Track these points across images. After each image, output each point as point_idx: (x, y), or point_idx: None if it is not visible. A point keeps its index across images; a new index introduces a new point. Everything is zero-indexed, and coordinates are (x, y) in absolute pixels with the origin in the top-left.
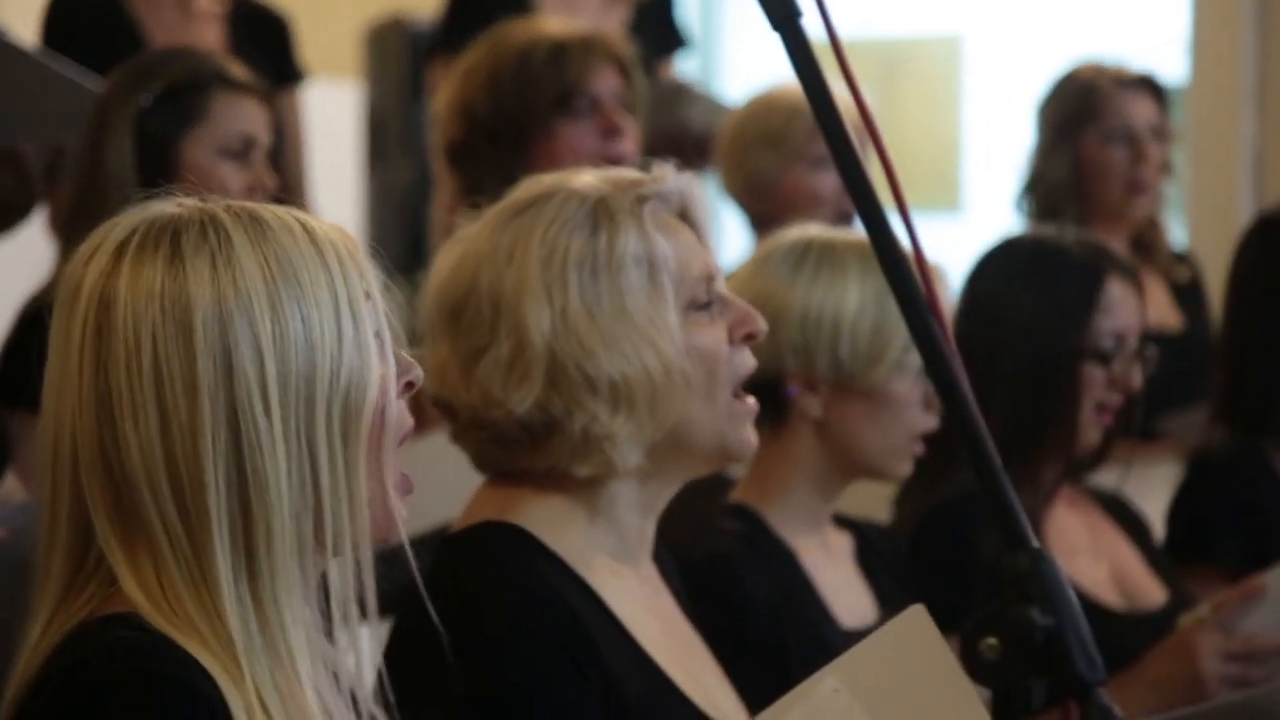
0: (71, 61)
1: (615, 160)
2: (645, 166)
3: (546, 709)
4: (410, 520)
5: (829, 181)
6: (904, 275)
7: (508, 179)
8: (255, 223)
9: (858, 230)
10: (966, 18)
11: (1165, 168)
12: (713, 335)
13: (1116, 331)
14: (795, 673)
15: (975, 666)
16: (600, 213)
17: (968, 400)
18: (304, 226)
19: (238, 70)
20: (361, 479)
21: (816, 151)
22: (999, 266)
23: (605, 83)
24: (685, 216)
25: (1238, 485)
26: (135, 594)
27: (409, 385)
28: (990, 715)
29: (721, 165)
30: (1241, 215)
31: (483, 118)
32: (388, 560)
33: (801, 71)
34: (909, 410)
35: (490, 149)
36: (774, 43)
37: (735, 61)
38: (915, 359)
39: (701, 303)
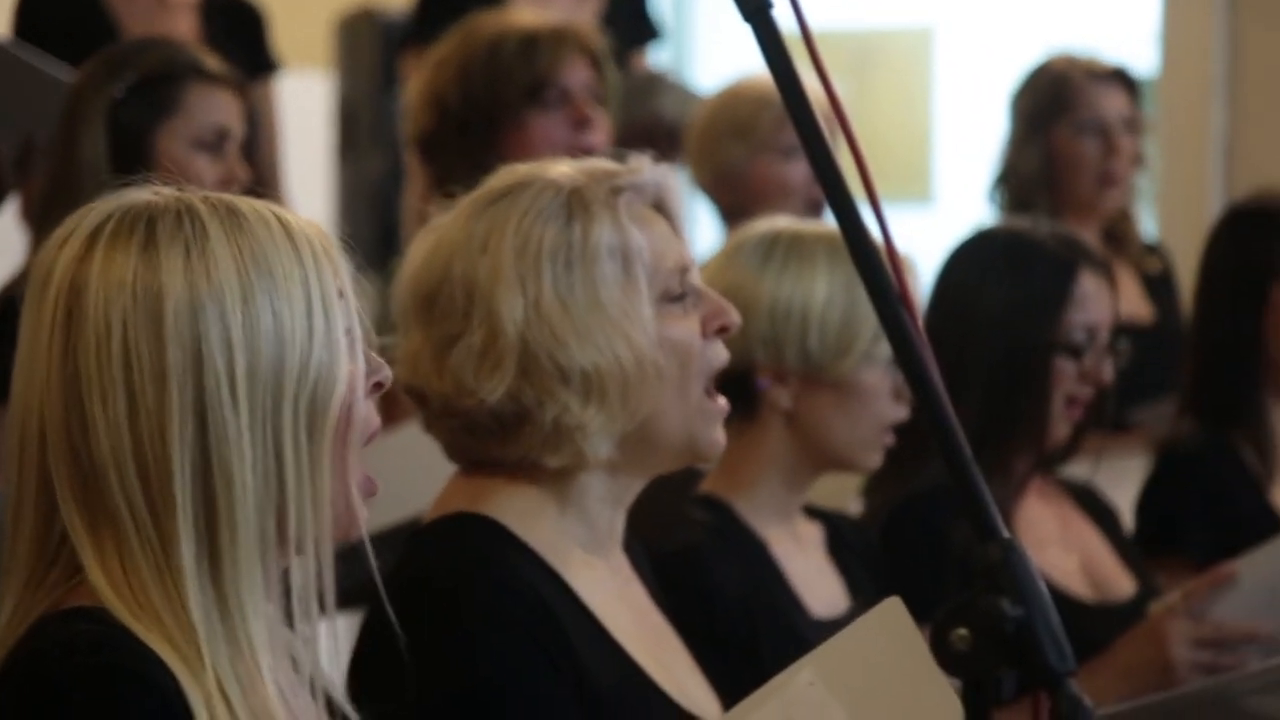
0: (43, 52)
1: (586, 152)
2: (621, 158)
3: (519, 701)
4: (385, 511)
5: (799, 171)
6: (874, 265)
7: (478, 170)
8: (231, 214)
9: (828, 221)
10: (938, 9)
11: (1137, 160)
12: (686, 327)
13: (1088, 325)
14: (766, 663)
15: (946, 657)
16: (575, 203)
17: (939, 391)
18: (280, 221)
19: (212, 61)
20: (326, 475)
21: (785, 141)
22: (972, 258)
23: (576, 74)
24: (660, 208)
25: (1206, 477)
26: (99, 581)
27: (378, 385)
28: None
29: (690, 158)
30: (1212, 207)
31: (453, 109)
32: (359, 553)
33: (773, 63)
34: (879, 401)
35: (461, 140)
36: (746, 34)
37: (708, 52)
38: (884, 350)
39: (675, 295)
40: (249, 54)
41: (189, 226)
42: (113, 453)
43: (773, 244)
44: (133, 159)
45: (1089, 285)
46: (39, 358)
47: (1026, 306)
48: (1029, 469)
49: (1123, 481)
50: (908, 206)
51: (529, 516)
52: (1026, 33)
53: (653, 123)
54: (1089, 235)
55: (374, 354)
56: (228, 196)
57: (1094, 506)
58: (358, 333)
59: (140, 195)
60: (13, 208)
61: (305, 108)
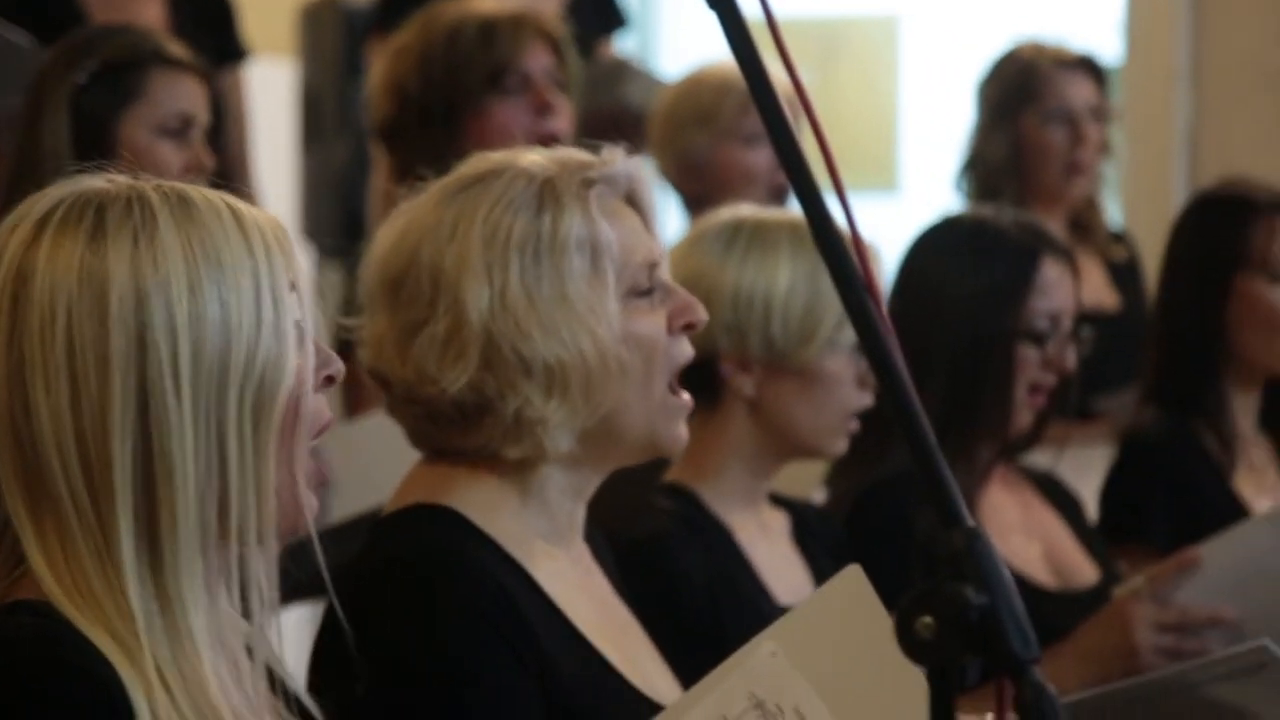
0: (3, 20)
1: (548, 137)
2: (592, 148)
3: (481, 692)
4: (352, 499)
5: (762, 158)
6: (839, 253)
7: (440, 158)
8: (183, 203)
9: (791, 208)
10: None
11: (1104, 149)
12: (652, 323)
13: (1051, 312)
14: (732, 650)
15: (910, 645)
16: (546, 194)
17: (903, 378)
18: (232, 211)
19: (176, 48)
20: (270, 467)
21: (748, 128)
22: (935, 245)
23: (537, 60)
24: (632, 201)
25: (1170, 466)
26: (42, 570)
27: (329, 379)
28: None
29: (653, 146)
30: (1176, 195)
31: (414, 96)
32: (321, 542)
33: (738, 50)
34: (842, 388)
35: (422, 128)
36: (711, 21)
37: (673, 40)
38: (848, 337)
39: (643, 290)
40: (217, 41)
41: (138, 215)
42: (55, 439)
43: (736, 231)
44: (96, 146)
45: (1052, 272)
46: None
47: (989, 294)
48: (992, 456)
49: (1087, 470)
50: (873, 195)
51: (490, 508)
52: (992, 21)
53: (618, 111)
54: (1055, 223)
55: (326, 347)
56: (181, 186)
57: (1056, 495)
58: (309, 325)
59: (93, 183)
60: None
61: (270, 95)
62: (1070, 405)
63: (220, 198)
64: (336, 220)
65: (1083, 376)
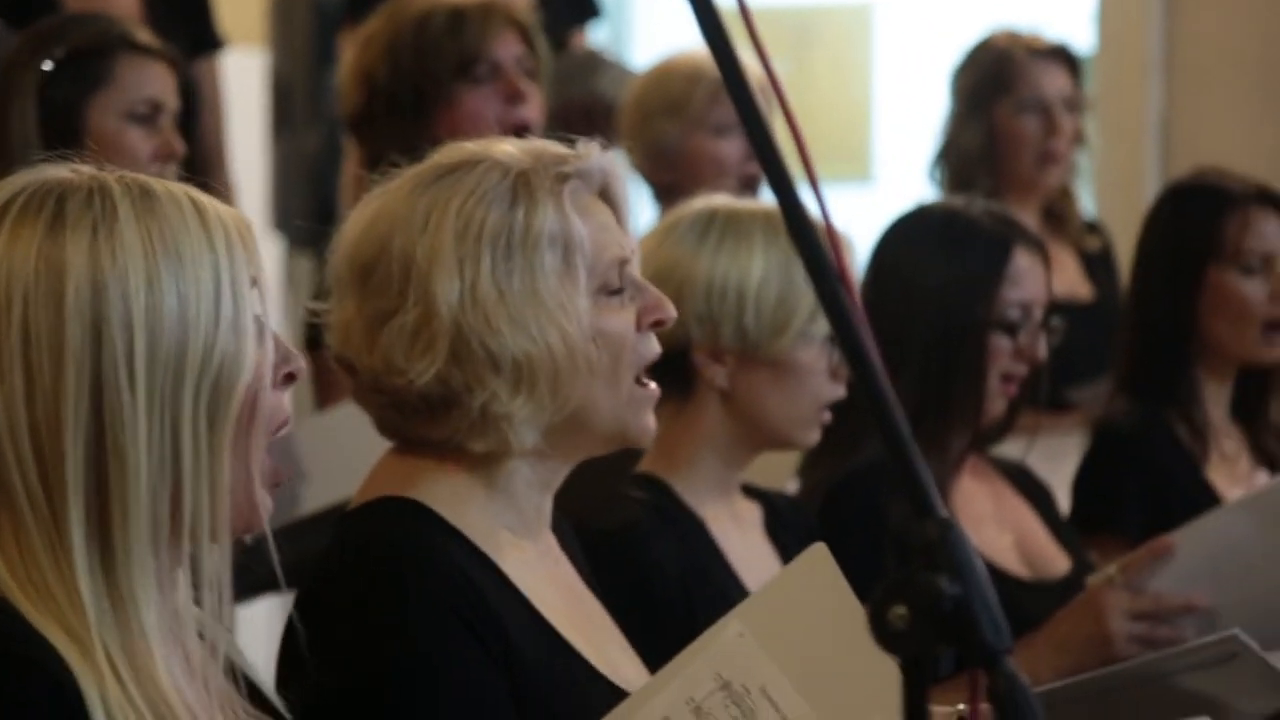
0: None
1: (519, 126)
2: (564, 140)
3: (449, 684)
4: (324, 491)
5: (733, 147)
6: (812, 243)
7: (410, 147)
8: (145, 196)
9: (764, 198)
10: None
11: (1078, 138)
12: (621, 320)
13: (1023, 302)
14: None
15: (883, 635)
16: (520, 188)
17: (876, 369)
18: (195, 204)
19: (144, 34)
20: (225, 464)
21: (719, 117)
22: (907, 235)
23: (506, 48)
24: (606, 196)
25: (1142, 456)
26: None
27: (290, 376)
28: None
29: (624, 136)
30: (1149, 185)
31: (382, 86)
32: (289, 535)
33: (710, 39)
34: (815, 379)
35: (391, 117)
36: (684, 11)
37: (646, 31)
38: (820, 328)
39: (614, 288)
40: (192, 31)
41: (99, 205)
42: (9, 429)
43: (709, 222)
44: (64, 132)
45: (1023, 262)
46: None
47: (961, 284)
48: (965, 446)
49: (1059, 459)
50: (847, 185)
51: (457, 501)
52: (966, 10)
53: (591, 102)
54: (1029, 213)
55: (287, 344)
56: (144, 178)
57: (1027, 485)
58: (269, 321)
59: (57, 172)
60: None
61: (242, 84)
62: (1042, 395)
63: (183, 191)
64: (308, 209)
65: (1056, 366)
